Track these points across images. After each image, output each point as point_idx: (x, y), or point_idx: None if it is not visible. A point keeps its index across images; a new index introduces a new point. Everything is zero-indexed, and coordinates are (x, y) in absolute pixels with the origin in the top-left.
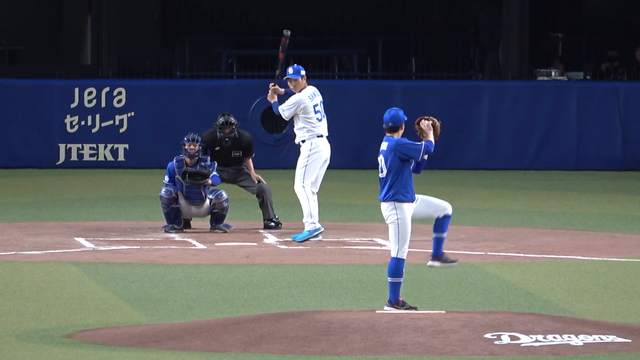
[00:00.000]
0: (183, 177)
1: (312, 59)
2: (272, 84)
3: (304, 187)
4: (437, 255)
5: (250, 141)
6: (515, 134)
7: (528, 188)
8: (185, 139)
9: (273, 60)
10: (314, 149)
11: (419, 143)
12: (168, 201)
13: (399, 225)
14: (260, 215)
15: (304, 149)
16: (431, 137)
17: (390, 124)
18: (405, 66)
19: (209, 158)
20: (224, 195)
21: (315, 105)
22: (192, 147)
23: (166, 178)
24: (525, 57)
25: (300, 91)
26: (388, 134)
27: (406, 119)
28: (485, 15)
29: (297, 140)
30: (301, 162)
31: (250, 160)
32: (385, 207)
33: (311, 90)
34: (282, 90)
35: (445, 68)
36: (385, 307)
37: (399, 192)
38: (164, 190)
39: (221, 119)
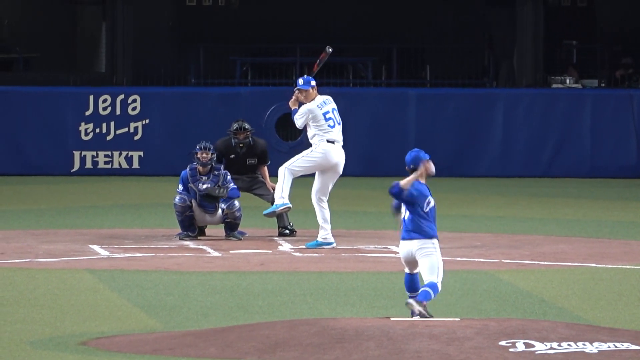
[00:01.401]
0: (202, 197)
1: (327, 66)
2: (297, 90)
3: (287, 169)
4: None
5: (264, 148)
6: (530, 141)
7: (542, 195)
8: (198, 147)
9: (288, 68)
10: (322, 150)
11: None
12: (182, 209)
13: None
14: (275, 223)
15: (312, 150)
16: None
17: (411, 166)
18: (419, 74)
19: (222, 167)
20: (237, 204)
21: (325, 113)
22: (204, 155)
23: (180, 187)
24: (539, 64)
25: (310, 101)
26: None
27: (427, 158)
28: (500, 23)
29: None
30: (304, 152)
31: (266, 169)
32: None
33: (321, 99)
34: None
35: (459, 75)
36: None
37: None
38: (177, 198)
39: (235, 125)
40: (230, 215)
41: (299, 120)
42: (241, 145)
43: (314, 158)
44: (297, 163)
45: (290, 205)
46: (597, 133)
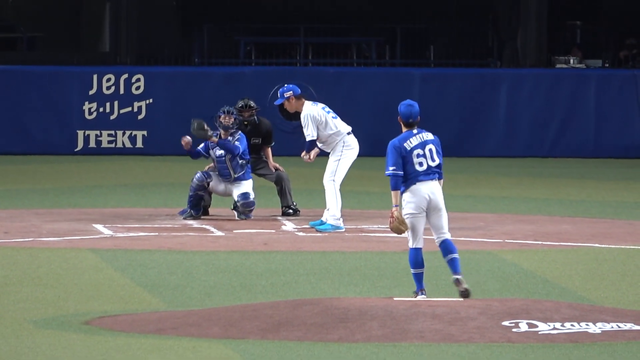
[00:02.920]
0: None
1: (331, 46)
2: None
3: (333, 181)
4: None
5: (269, 128)
6: (534, 121)
7: (546, 176)
8: (221, 111)
9: (292, 48)
10: (348, 146)
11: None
12: (197, 187)
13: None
14: (278, 203)
15: (337, 145)
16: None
17: (410, 120)
18: (423, 54)
19: (241, 132)
20: (251, 198)
21: (328, 112)
22: (227, 119)
23: (201, 145)
24: (543, 45)
25: (299, 107)
26: (413, 127)
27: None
28: (504, 3)
29: (329, 149)
30: (335, 155)
31: (269, 150)
32: (439, 188)
33: (320, 105)
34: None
35: (463, 56)
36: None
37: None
38: (198, 174)
39: (240, 103)
40: (241, 208)
41: (312, 133)
42: (246, 123)
43: (348, 155)
44: (338, 170)
45: (344, 229)
46: (601, 113)
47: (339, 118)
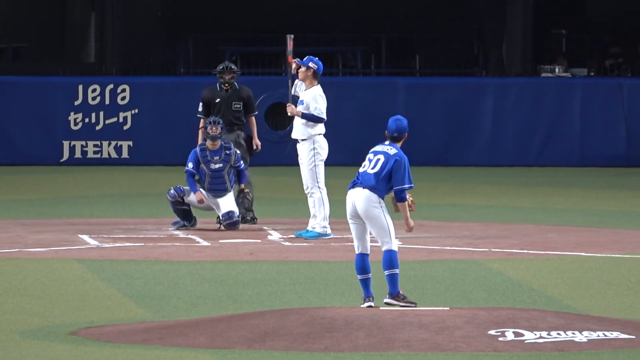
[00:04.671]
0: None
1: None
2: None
3: (319, 188)
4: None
5: (250, 93)
6: (519, 130)
7: (532, 185)
8: (207, 121)
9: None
10: (316, 147)
11: (407, 185)
12: (174, 203)
13: (384, 216)
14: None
15: (305, 148)
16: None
17: (395, 134)
18: (409, 63)
19: (232, 145)
20: (237, 220)
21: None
22: (214, 129)
23: (190, 165)
24: (528, 53)
25: (310, 84)
26: (392, 142)
27: (405, 129)
28: (489, 12)
29: (296, 136)
30: (307, 162)
31: (254, 120)
32: (366, 197)
33: (320, 89)
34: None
35: (449, 65)
36: (386, 300)
37: (381, 193)
38: (171, 192)
39: (221, 65)
40: (228, 229)
41: (323, 112)
42: (226, 86)
43: (321, 158)
44: (319, 174)
45: (331, 235)
46: (587, 122)
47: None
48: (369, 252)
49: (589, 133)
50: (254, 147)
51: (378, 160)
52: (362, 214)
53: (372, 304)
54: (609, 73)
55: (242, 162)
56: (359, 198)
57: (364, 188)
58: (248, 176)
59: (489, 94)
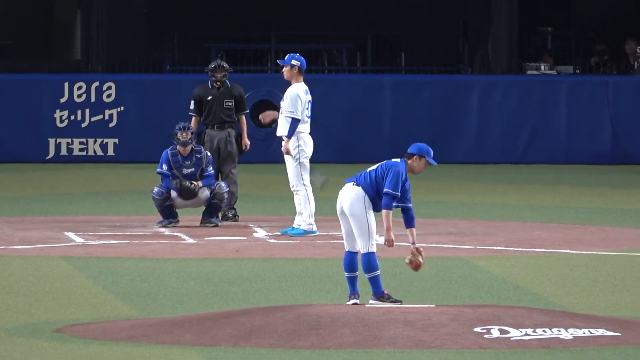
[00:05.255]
0: (176, 189)
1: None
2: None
3: (305, 185)
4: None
5: (242, 92)
6: (505, 128)
7: (518, 182)
8: (177, 128)
9: (263, 55)
10: (301, 145)
11: (395, 194)
12: (161, 201)
13: (367, 219)
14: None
15: (290, 145)
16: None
17: (409, 151)
18: (394, 60)
19: (203, 149)
20: (224, 187)
21: (306, 102)
22: (184, 134)
23: (164, 167)
24: (514, 51)
25: (294, 81)
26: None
27: (427, 157)
28: (475, 10)
29: (280, 133)
30: (292, 160)
31: (244, 118)
32: (353, 195)
33: (304, 86)
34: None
35: (434, 62)
36: (371, 301)
37: (373, 197)
38: (155, 190)
39: (213, 64)
40: (218, 196)
41: (296, 111)
42: (218, 84)
43: (305, 154)
44: (303, 171)
45: (317, 232)
46: (573, 120)
47: (309, 119)
48: (357, 250)
49: (574, 131)
50: (243, 147)
51: (376, 165)
52: (346, 211)
53: (358, 301)
54: (594, 71)
55: (211, 166)
56: (345, 195)
57: (354, 184)
58: (234, 174)
59: (474, 92)
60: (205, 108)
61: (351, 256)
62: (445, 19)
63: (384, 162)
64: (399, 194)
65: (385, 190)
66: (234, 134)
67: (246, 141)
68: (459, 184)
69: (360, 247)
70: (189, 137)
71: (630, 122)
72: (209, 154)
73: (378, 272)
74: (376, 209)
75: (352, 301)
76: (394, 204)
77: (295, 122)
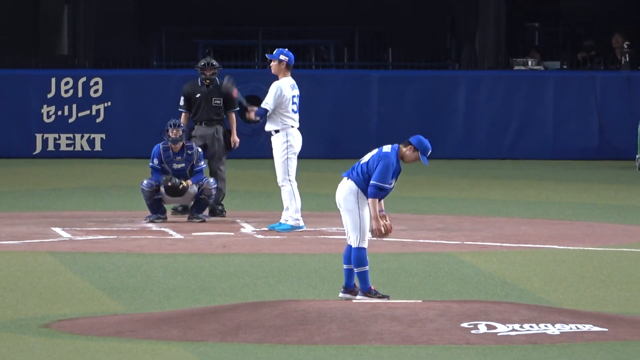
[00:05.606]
0: (164, 186)
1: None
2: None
3: (290, 181)
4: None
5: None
6: (492, 123)
7: (505, 177)
8: (168, 124)
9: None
10: (289, 140)
11: (381, 184)
12: (150, 194)
13: (359, 215)
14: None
15: (278, 141)
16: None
17: (410, 139)
18: (382, 56)
19: (194, 144)
20: (212, 182)
21: (293, 96)
22: (174, 132)
23: (155, 161)
24: (501, 46)
25: (281, 75)
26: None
27: (421, 152)
28: (462, 5)
29: (268, 129)
30: (279, 155)
31: (234, 116)
32: (347, 189)
33: (292, 80)
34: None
35: (422, 58)
36: (358, 297)
37: (366, 189)
38: (145, 182)
39: (203, 61)
40: (206, 191)
41: (270, 103)
42: (208, 82)
43: (292, 150)
44: (290, 168)
45: (304, 228)
46: (560, 115)
47: (297, 113)
48: None
49: (561, 126)
50: (232, 144)
51: (369, 155)
52: (341, 205)
53: (350, 297)
54: (581, 66)
55: (203, 162)
56: (340, 189)
57: (348, 178)
58: (222, 171)
59: (462, 87)
60: (194, 105)
61: (346, 249)
62: (432, 15)
63: (377, 151)
64: (388, 186)
65: (372, 182)
66: (222, 131)
67: (235, 138)
68: (446, 179)
69: (352, 241)
70: (179, 135)
71: (617, 117)
72: (199, 150)
73: (367, 268)
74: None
75: (344, 295)
76: (382, 194)
77: (262, 110)
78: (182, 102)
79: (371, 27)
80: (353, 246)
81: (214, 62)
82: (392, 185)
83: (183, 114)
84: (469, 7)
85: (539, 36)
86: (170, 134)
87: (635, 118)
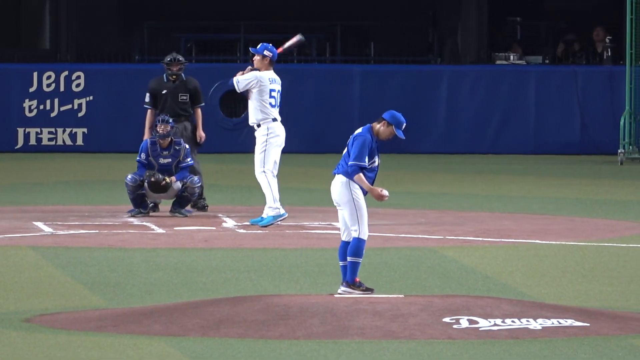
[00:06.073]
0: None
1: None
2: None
3: (264, 172)
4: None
5: (197, 85)
6: (474, 118)
7: (487, 172)
8: (157, 120)
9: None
10: (271, 133)
11: (359, 163)
12: (134, 188)
13: (355, 205)
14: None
15: (260, 134)
16: (366, 187)
17: (383, 115)
18: (364, 51)
19: (182, 140)
20: (197, 180)
21: (272, 90)
22: (163, 127)
23: (142, 156)
24: (483, 41)
25: (263, 69)
26: (373, 123)
27: (395, 127)
28: (444, 0)
29: (251, 122)
30: (259, 147)
31: (200, 111)
32: (339, 185)
33: (273, 74)
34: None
35: (403, 52)
36: (342, 288)
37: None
38: (129, 177)
39: (169, 57)
40: (189, 189)
41: (241, 83)
42: (174, 77)
43: (272, 142)
44: (266, 160)
45: (286, 215)
46: (542, 110)
47: (277, 107)
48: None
49: (543, 121)
50: (198, 139)
51: (347, 145)
52: (337, 200)
53: (350, 290)
54: (563, 59)
55: (190, 158)
56: (334, 186)
57: (338, 174)
58: (199, 164)
59: (443, 82)
60: (160, 101)
61: (346, 246)
62: (414, 9)
63: (351, 137)
64: (365, 163)
65: (350, 163)
66: (190, 127)
67: (201, 134)
68: (427, 174)
69: (353, 232)
70: (167, 130)
71: (599, 112)
72: (187, 146)
73: (360, 260)
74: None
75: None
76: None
77: (231, 83)
78: (147, 99)
79: (353, 22)
80: (354, 236)
81: (180, 58)
82: (376, 163)
83: (149, 111)
84: (451, 2)
85: (521, 31)
86: (159, 130)
87: (617, 113)
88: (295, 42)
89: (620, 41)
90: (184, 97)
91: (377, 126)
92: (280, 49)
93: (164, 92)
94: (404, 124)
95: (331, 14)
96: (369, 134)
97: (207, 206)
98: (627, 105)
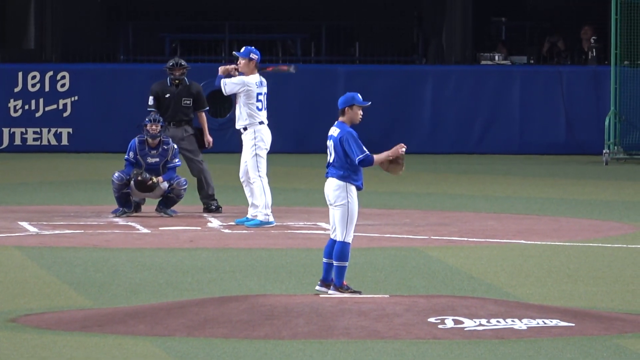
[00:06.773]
0: (134, 180)
1: (256, 43)
2: (235, 66)
3: (260, 177)
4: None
5: (200, 90)
6: (459, 118)
7: (471, 172)
8: (147, 119)
9: (217, 44)
10: (258, 136)
11: (363, 153)
12: (119, 187)
13: (348, 208)
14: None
15: (247, 138)
16: (384, 159)
17: (339, 110)
18: (348, 51)
19: (171, 140)
20: (183, 182)
21: (259, 94)
22: (154, 127)
23: (131, 154)
24: (468, 41)
25: (249, 72)
26: (339, 120)
27: (356, 103)
28: (429, 0)
29: (238, 126)
30: (249, 151)
31: (204, 116)
32: (334, 187)
33: (259, 78)
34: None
35: (388, 52)
36: (330, 292)
37: (350, 176)
38: (116, 175)
39: (171, 62)
40: (175, 191)
41: (228, 86)
42: (177, 82)
43: (261, 146)
44: (259, 163)
45: (274, 224)
46: (527, 110)
47: (264, 110)
48: None
49: (528, 121)
50: (206, 144)
51: (330, 148)
52: (330, 200)
53: (326, 290)
54: (548, 59)
55: (177, 158)
56: (328, 186)
57: (332, 177)
58: (204, 166)
59: (428, 82)
60: (163, 105)
61: (333, 244)
62: (399, 9)
63: (332, 141)
64: (367, 152)
65: (357, 160)
66: (190, 131)
67: (208, 138)
68: (412, 174)
69: (338, 235)
70: (158, 130)
71: (584, 112)
72: (175, 146)
73: (346, 264)
74: (358, 178)
75: (320, 288)
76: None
77: (218, 82)
78: (151, 102)
79: (338, 22)
80: (338, 239)
81: (183, 62)
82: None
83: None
84: (436, 2)
85: (506, 31)
86: (150, 129)
87: (602, 113)
88: (284, 70)
89: (605, 41)
90: (187, 102)
91: (345, 117)
92: (269, 69)
93: (168, 96)
94: (357, 94)
95: (316, 14)
96: (348, 128)
97: (221, 207)
98: (612, 105)
